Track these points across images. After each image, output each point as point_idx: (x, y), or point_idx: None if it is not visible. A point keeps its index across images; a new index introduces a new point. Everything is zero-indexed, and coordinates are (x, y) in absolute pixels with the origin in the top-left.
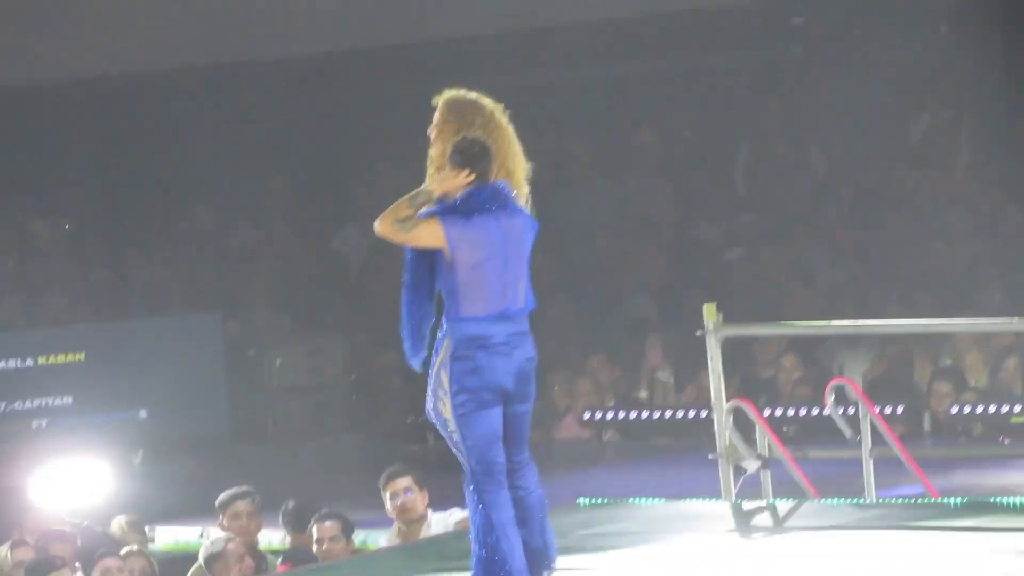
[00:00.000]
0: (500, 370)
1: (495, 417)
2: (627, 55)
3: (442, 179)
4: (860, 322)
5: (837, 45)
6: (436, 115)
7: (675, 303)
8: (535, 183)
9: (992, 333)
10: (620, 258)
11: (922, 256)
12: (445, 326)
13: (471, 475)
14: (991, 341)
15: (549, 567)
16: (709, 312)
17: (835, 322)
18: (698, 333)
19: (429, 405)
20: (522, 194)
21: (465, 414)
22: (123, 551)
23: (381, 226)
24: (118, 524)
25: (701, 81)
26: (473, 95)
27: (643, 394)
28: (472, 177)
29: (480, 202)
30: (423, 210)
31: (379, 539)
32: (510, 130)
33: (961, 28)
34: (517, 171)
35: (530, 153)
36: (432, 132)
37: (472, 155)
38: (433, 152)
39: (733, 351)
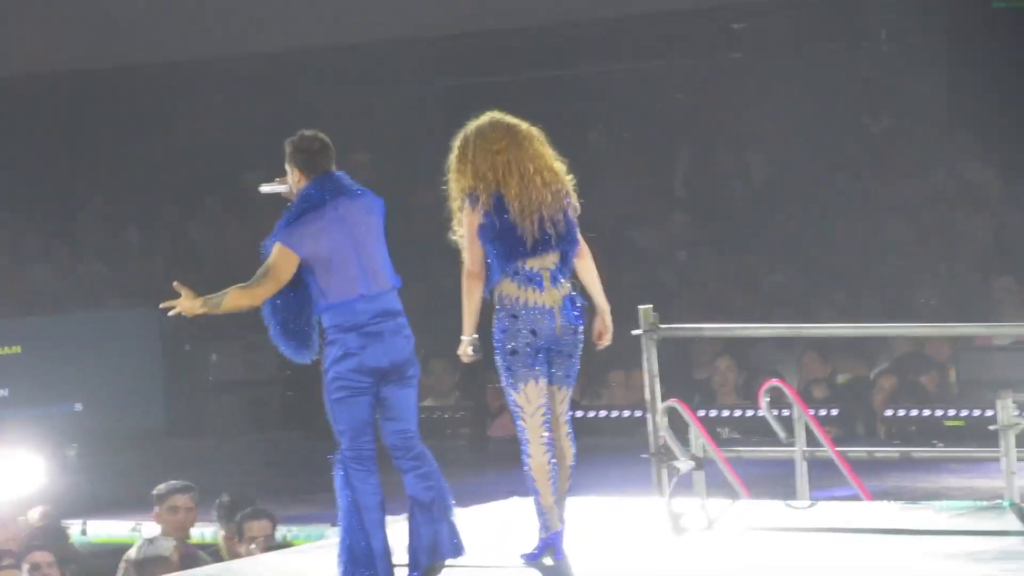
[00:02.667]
0: (372, 351)
1: (367, 403)
2: (570, 59)
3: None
4: (795, 325)
5: (779, 51)
6: (455, 151)
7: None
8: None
9: (927, 338)
10: None
11: (862, 263)
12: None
13: (341, 459)
14: (926, 347)
15: (450, 552)
16: (645, 314)
17: (769, 325)
18: (633, 332)
19: None
20: (564, 187)
21: (340, 399)
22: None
23: (251, 301)
24: (32, 516)
25: (641, 86)
26: (485, 121)
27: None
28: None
29: (316, 196)
30: (269, 240)
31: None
32: (528, 136)
33: (902, 37)
34: (541, 171)
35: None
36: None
37: (312, 152)
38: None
39: (670, 353)
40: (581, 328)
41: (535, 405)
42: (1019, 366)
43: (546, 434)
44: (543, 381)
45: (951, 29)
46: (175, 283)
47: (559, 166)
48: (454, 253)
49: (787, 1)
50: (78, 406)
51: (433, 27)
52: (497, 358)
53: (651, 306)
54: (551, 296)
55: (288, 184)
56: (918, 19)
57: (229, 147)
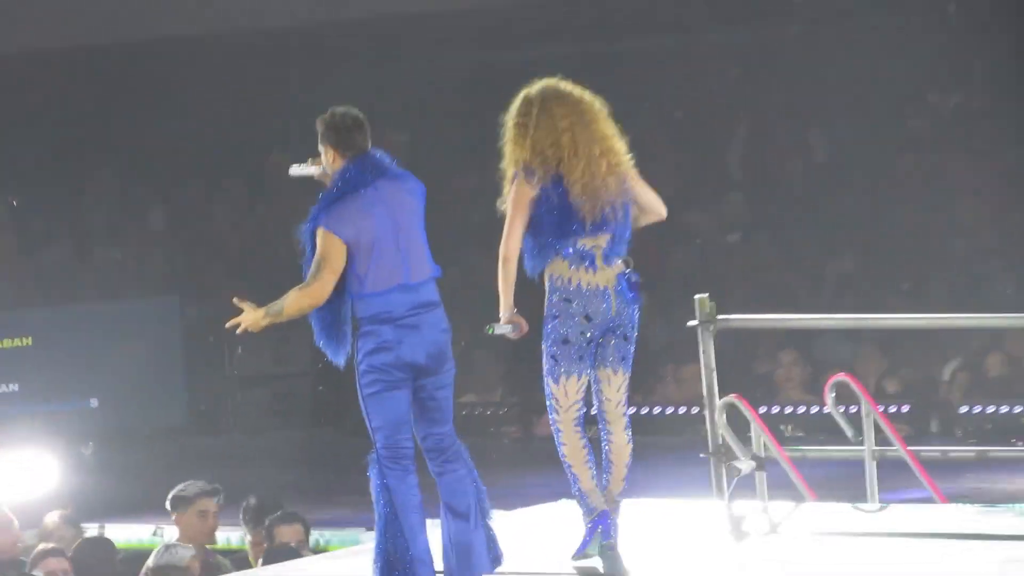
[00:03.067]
0: (408, 345)
1: (404, 398)
2: (618, 32)
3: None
4: (864, 316)
5: (840, 23)
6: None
7: (666, 294)
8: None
9: (1004, 329)
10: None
11: (931, 248)
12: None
13: (376, 458)
14: (1004, 338)
15: (487, 565)
16: (701, 304)
17: (836, 315)
18: (689, 324)
19: None
20: (625, 170)
21: (373, 394)
22: (38, 548)
23: (313, 301)
24: (51, 519)
25: (695, 58)
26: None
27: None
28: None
29: (356, 177)
30: (307, 225)
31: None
32: (592, 112)
33: (971, 7)
34: (606, 153)
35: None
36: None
37: (347, 128)
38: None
39: (728, 345)
40: (636, 308)
41: (572, 400)
42: None
43: (579, 426)
44: (586, 377)
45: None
46: (235, 299)
47: (621, 146)
48: (494, 237)
49: None
50: (94, 402)
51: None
52: (545, 344)
53: (707, 295)
54: (604, 276)
55: (322, 166)
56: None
57: (252, 127)
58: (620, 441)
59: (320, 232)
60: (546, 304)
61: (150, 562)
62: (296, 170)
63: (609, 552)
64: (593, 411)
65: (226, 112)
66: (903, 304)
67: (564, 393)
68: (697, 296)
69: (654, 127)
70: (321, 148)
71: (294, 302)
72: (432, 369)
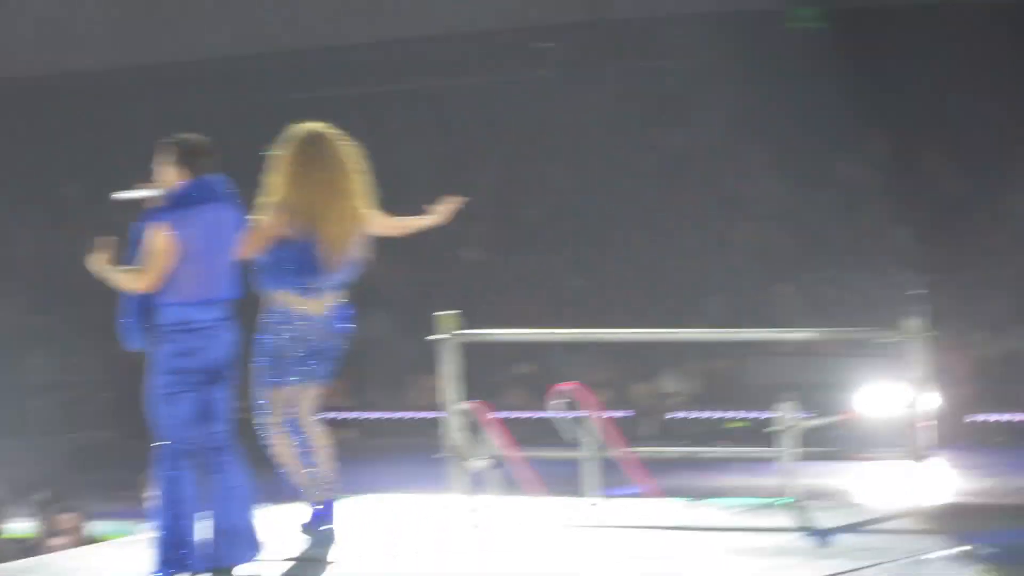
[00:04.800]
0: (206, 352)
1: (193, 400)
2: (378, 77)
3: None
4: (587, 331)
5: (582, 69)
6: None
7: (414, 310)
8: None
9: (715, 342)
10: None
11: (654, 270)
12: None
13: (162, 453)
14: (712, 351)
15: (252, 552)
16: (443, 320)
17: (563, 330)
18: (428, 339)
19: None
20: (359, 236)
21: (168, 394)
22: None
23: (135, 285)
24: None
25: (451, 100)
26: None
27: (378, 396)
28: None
29: (193, 195)
30: (141, 222)
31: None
32: (349, 167)
33: (701, 54)
34: (355, 210)
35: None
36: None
37: (198, 152)
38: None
39: (469, 356)
40: (345, 334)
41: (283, 402)
42: (801, 370)
43: (288, 429)
44: (299, 386)
45: (746, 49)
46: (101, 239)
47: (368, 196)
48: None
49: (590, 21)
50: None
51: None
52: (260, 356)
53: (450, 312)
54: (322, 305)
55: (152, 189)
56: (714, 39)
57: (47, 158)
58: (320, 440)
59: (159, 231)
60: (266, 317)
61: None
62: (122, 195)
63: (328, 534)
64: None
65: (22, 141)
66: (628, 320)
67: (277, 396)
68: (438, 313)
69: (416, 161)
70: (162, 169)
71: (125, 279)
72: (221, 376)
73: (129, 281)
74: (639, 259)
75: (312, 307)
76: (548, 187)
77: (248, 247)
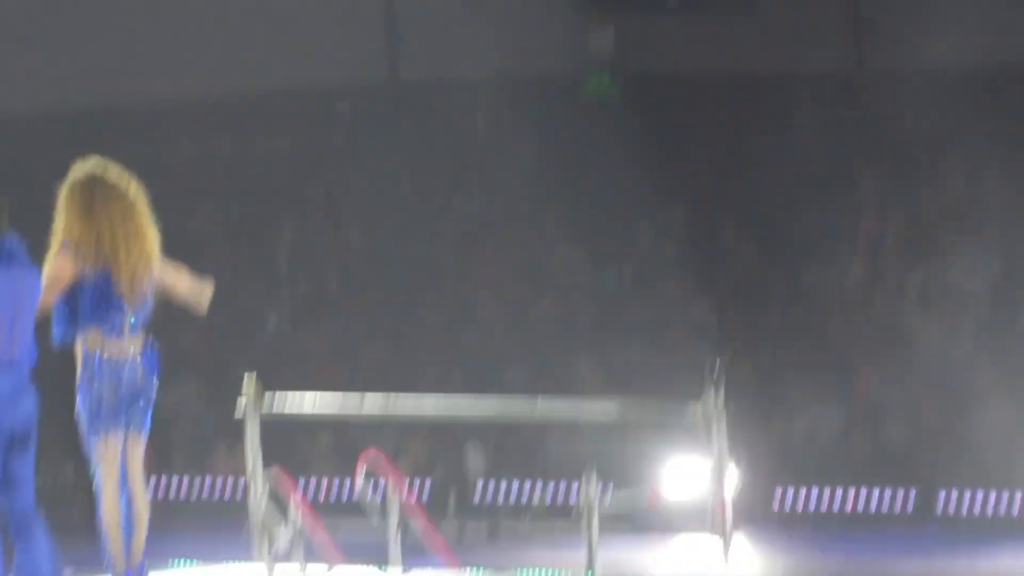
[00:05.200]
0: (5, 417)
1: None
2: (177, 138)
3: None
4: (391, 397)
5: (378, 131)
6: (61, 194)
7: (215, 376)
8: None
9: (516, 415)
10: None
11: (454, 339)
12: None
13: None
14: (511, 424)
15: None
16: (248, 384)
17: (368, 395)
18: (237, 415)
19: None
20: (152, 268)
21: None
22: None
23: None
24: None
25: (247, 164)
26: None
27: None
28: None
29: None
30: None
31: None
32: (136, 207)
33: (498, 119)
34: (145, 248)
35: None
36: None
37: None
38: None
39: (273, 424)
40: (155, 376)
41: (113, 454)
42: (604, 443)
43: (119, 488)
44: (122, 432)
45: (543, 115)
46: None
47: (155, 238)
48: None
49: (386, 83)
50: None
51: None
52: (83, 407)
53: (254, 374)
54: (131, 346)
55: None
56: (512, 104)
57: None
58: (141, 506)
59: None
60: (80, 370)
61: None
62: None
63: None
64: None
65: None
66: (429, 388)
67: (105, 448)
68: (245, 375)
69: (210, 224)
70: None
71: None
72: (21, 441)
73: None
74: (439, 328)
75: (119, 349)
76: (347, 253)
77: (47, 293)
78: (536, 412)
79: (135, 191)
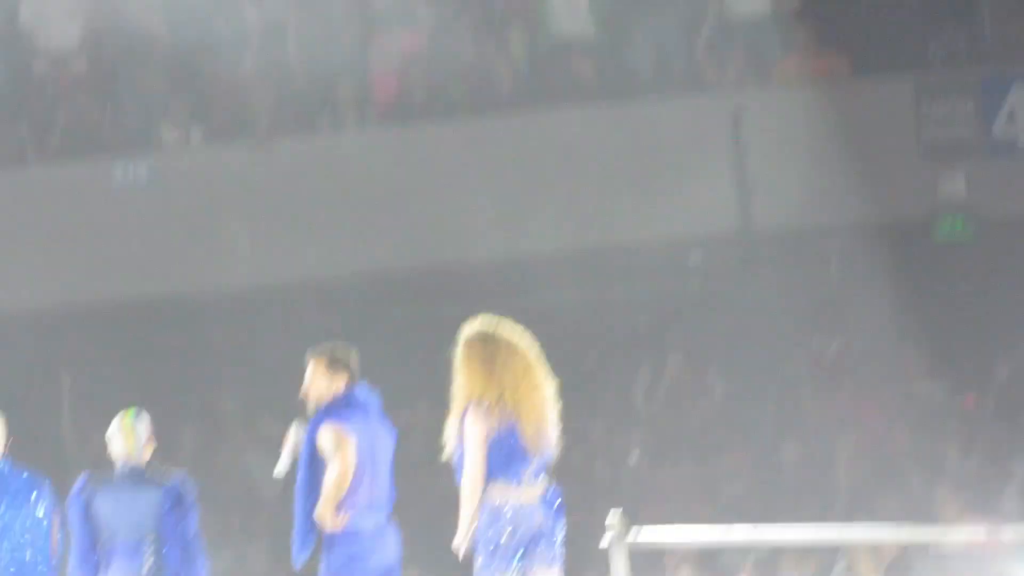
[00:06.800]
0: (374, 559)
1: None
2: (538, 289)
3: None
4: (759, 529)
5: (732, 281)
6: (459, 352)
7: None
8: None
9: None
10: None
11: (817, 475)
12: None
13: None
14: (881, 553)
15: None
16: (614, 521)
17: (736, 527)
18: (603, 542)
19: None
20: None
21: None
22: None
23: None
24: None
25: (603, 313)
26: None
27: None
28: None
29: (351, 406)
30: (311, 420)
31: None
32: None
33: (850, 265)
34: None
35: None
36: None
37: (342, 362)
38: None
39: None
40: (558, 518)
41: None
42: (968, 571)
43: None
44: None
45: (895, 260)
46: None
47: (552, 387)
48: None
49: (738, 233)
50: None
51: None
52: (479, 552)
53: (619, 510)
54: (532, 493)
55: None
56: (862, 249)
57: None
58: None
59: (335, 433)
60: (482, 517)
61: None
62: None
63: None
64: None
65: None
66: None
67: None
68: (611, 512)
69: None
70: (317, 375)
71: (331, 485)
72: None
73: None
74: (800, 466)
75: (520, 495)
76: (707, 396)
77: (475, 456)
78: (901, 537)
79: (527, 343)
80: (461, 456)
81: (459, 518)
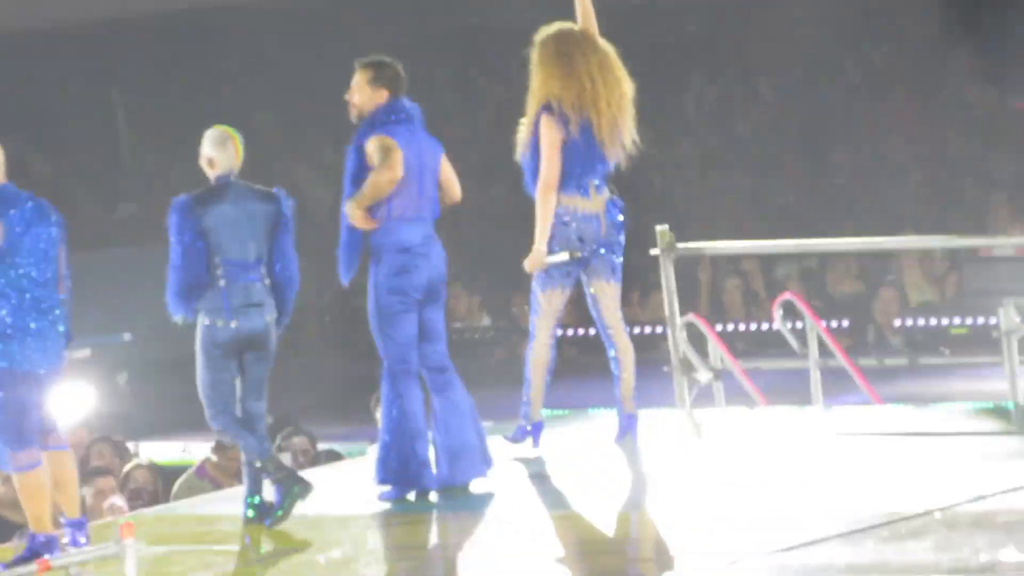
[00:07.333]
0: (421, 271)
1: (414, 319)
2: None
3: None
4: (805, 241)
5: None
6: (535, 53)
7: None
8: None
9: (928, 249)
10: None
11: (866, 183)
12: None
13: (389, 373)
14: (931, 258)
15: (482, 468)
16: (662, 234)
17: (779, 241)
18: (652, 252)
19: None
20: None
21: (392, 314)
22: (128, 466)
23: (392, 174)
24: (96, 448)
25: (653, 17)
26: (557, 29)
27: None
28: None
29: (400, 113)
30: (359, 138)
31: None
32: (611, 59)
33: None
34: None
35: None
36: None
37: (399, 75)
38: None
39: (685, 272)
40: (620, 229)
41: (555, 308)
42: (1019, 275)
43: (553, 338)
44: (568, 291)
45: None
46: None
47: (630, 86)
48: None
49: None
50: (127, 336)
51: None
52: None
53: (667, 226)
54: (596, 202)
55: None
56: None
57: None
58: (625, 347)
59: (382, 140)
60: (553, 225)
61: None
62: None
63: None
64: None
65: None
66: (840, 231)
67: (548, 302)
68: (658, 228)
69: None
70: (362, 87)
71: (372, 185)
72: (435, 294)
73: (379, 176)
74: (847, 172)
75: (586, 205)
76: (754, 102)
77: (550, 159)
78: (953, 245)
79: (605, 43)
80: (532, 160)
81: (533, 225)
